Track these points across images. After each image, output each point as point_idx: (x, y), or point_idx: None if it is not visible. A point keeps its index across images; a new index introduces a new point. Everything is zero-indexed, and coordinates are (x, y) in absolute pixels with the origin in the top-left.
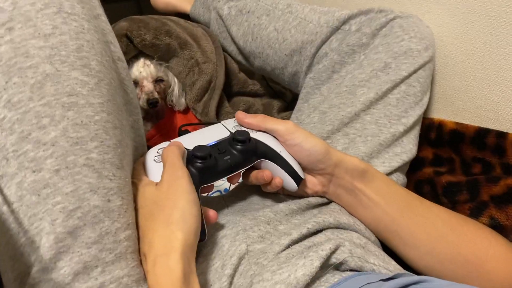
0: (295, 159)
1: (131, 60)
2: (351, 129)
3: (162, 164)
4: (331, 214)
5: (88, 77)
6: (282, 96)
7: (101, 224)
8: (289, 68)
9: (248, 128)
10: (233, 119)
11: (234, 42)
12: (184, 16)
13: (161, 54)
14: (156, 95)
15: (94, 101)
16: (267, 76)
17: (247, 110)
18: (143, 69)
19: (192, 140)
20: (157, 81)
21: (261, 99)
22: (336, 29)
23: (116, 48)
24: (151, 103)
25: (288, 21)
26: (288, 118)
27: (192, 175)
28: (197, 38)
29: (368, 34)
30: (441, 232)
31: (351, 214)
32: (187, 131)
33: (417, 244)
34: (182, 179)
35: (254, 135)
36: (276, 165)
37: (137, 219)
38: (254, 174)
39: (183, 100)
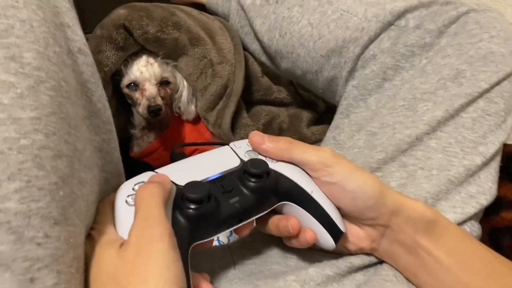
0: (333, 204)
1: (130, 57)
2: (411, 159)
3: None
4: (383, 285)
5: (16, 77)
6: (313, 106)
7: None
8: (325, 73)
9: (266, 157)
10: (247, 140)
11: (258, 39)
12: (200, 7)
13: (167, 51)
14: (159, 101)
15: (22, 115)
16: (296, 81)
17: (270, 122)
18: (145, 68)
19: (187, 170)
20: (162, 83)
21: (287, 109)
22: (388, 24)
23: (77, 36)
24: (152, 110)
25: (326, 14)
26: (320, 134)
27: (179, 228)
28: (213, 33)
29: (433, 32)
30: None
31: (409, 281)
32: (182, 155)
33: None
34: (160, 242)
35: (275, 165)
36: (306, 212)
37: None
38: (274, 220)
39: (192, 107)
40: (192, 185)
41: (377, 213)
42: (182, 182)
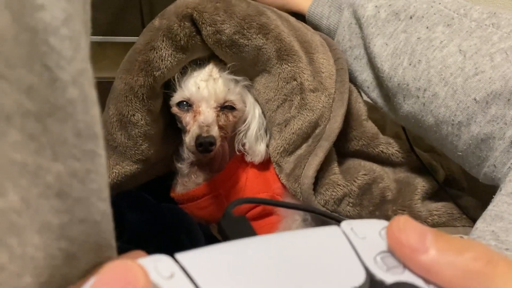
0: None
1: (190, 65)
2: None
3: None
4: None
5: None
6: (432, 171)
7: None
8: (475, 127)
9: (427, 283)
10: (379, 225)
11: (373, 66)
12: (299, 17)
13: (242, 62)
14: (214, 131)
15: None
16: (416, 133)
17: (369, 186)
18: (205, 84)
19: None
20: (224, 108)
21: (394, 171)
22: None
23: None
24: (202, 144)
25: (491, 40)
26: (440, 215)
27: None
28: (311, 49)
29: None
30: None
31: None
32: (241, 221)
33: None
34: None
35: None
36: None
37: None
38: None
39: (262, 146)
40: None
41: None
42: None
